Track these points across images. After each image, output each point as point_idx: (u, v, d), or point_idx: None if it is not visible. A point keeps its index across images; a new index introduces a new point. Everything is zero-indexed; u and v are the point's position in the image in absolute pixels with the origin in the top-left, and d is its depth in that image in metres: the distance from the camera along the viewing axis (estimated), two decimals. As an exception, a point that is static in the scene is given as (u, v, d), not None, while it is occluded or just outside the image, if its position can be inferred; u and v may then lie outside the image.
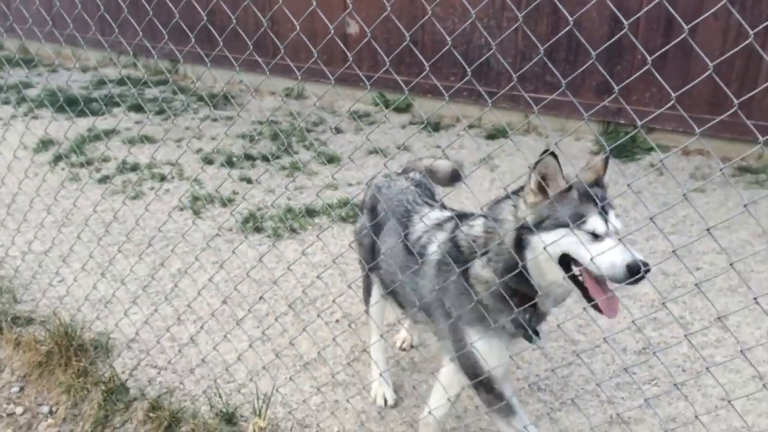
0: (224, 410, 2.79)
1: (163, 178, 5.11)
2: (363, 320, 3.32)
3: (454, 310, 2.13)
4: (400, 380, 3.01)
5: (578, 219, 1.86)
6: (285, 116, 6.34)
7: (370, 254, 2.67)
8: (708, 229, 1.75)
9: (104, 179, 5.13)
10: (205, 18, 2.70)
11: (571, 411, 2.78)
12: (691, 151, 5.32)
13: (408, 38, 2.36)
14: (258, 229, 4.30)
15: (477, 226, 2.14)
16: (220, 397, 2.88)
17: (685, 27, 1.71)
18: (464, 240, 2.13)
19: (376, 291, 2.79)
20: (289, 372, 3.02)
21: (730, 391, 2.82)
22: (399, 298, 2.50)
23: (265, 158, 5.33)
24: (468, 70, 2.14)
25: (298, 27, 2.71)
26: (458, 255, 2.12)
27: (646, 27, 5.20)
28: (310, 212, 4.47)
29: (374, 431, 2.73)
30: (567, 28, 2.17)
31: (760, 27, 4.74)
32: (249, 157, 5.35)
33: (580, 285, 1.94)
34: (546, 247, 1.89)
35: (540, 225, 1.90)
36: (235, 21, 2.69)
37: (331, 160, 5.34)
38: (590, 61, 1.89)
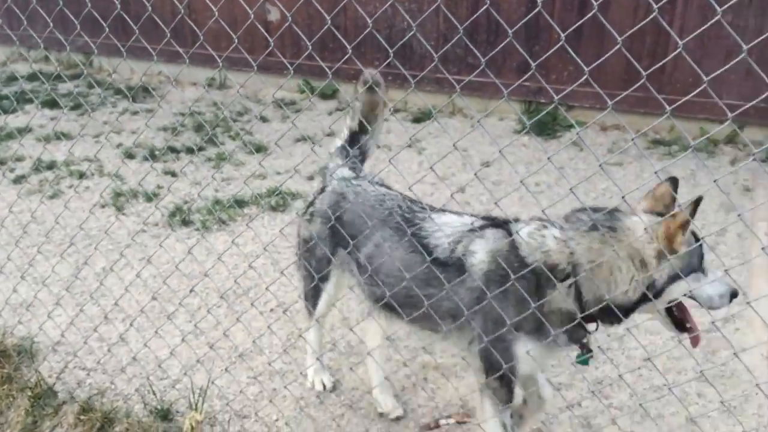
0: (159, 407, 2.74)
1: (82, 175, 4.93)
2: (298, 308, 3.32)
3: (509, 318, 2.03)
4: (337, 364, 3.03)
5: (701, 259, 1.95)
6: (208, 107, 6.21)
7: (326, 264, 2.57)
8: (623, 197, 1.82)
9: (19, 179, 4.91)
10: (119, 7, 2.61)
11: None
12: (609, 126, 5.51)
13: (330, 22, 2.36)
14: (185, 223, 4.22)
15: (548, 238, 2.05)
16: (154, 394, 2.82)
17: (595, 3, 1.77)
18: (531, 251, 2.04)
19: (325, 302, 2.70)
20: (225, 364, 2.98)
21: (652, 352, 2.97)
22: (404, 309, 2.29)
23: (189, 150, 5.21)
24: (390, 52, 2.15)
25: (216, 14, 2.66)
26: (520, 265, 2.02)
27: (562, 7, 5.34)
28: (239, 203, 4.41)
29: (314, 416, 2.74)
30: (484, 8, 2.21)
31: (664, 1, 4.89)
32: (172, 150, 5.22)
33: (672, 316, 2.03)
34: (689, 293, 1.93)
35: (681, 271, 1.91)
36: (150, 9, 2.61)
37: (258, 149, 5.28)
38: (507, 39, 1.93)
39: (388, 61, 5.97)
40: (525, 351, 2.09)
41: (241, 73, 6.38)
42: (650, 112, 5.16)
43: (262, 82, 6.37)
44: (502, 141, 5.28)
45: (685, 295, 1.96)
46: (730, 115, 1.60)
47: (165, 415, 2.72)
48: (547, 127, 5.47)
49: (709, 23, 1.73)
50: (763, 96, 2.20)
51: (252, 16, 2.58)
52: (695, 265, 1.94)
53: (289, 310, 3.25)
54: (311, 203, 2.70)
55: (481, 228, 2.20)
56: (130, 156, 5.20)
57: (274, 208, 4.39)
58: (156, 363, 2.95)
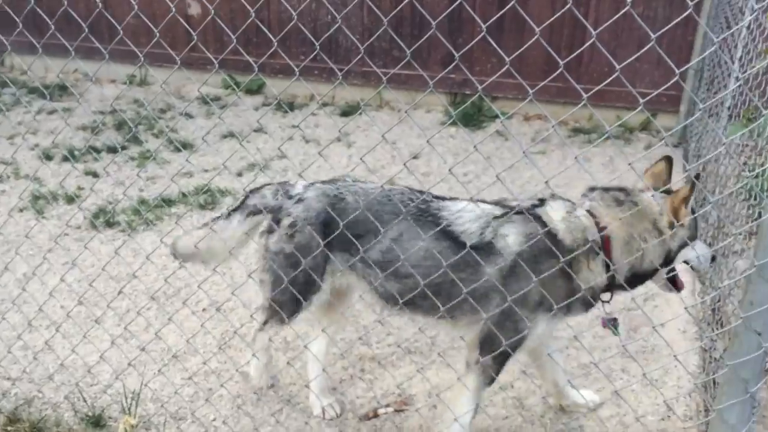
0: (90, 413, 2.67)
1: (-3, 179, 4.71)
2: (231, 306, 3.28)
3: (538, 297, 2.12)
4: (273, 360, 3.01)
5: (696, 230, 2.24)
6: (129, 104, 6.03)
7: (319, 273, 2.45)
8: (546, 182, 1.89)
9: (-73, 184, 4.65)
10: (33, 2, 2.51)
11: (441, 367, 2.92)
12: (531, 116, 5.67)
13: (254, 17, 2.34)
14: (110, 224, 4.09)
15: (583, 218, 2.18)
16: (85, 400, 2.74)
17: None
18: (568, 233, 2.15)
19: (315, 310, 2.61)
20: (158, 366, 2.92)
21: (578, 332, 3.08)
22: (426, 300, 2.28)
23: (111, 149, 5.05)
24: (316, 44, 2.16)
25: (136, 8, 2.60)
26: (556, 247, 2.09)
27: (483, 0, 5.45)
28: (166, 202, 4.32)
29: (252, 414, 2.73)
30: (406, 1, 2.24)
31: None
32: (93, 150, 5.05)
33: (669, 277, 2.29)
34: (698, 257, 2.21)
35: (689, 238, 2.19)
36: (66, 3, 2.52)
37: (184, 146, 5.17)
38: (431, 31, 1.97)
39: (314, 54, 5.95)
40: (544, 327, 2.23)
41: (163, 69, 6.22)
42: (570, 102, 5.34)
43: (185, 77, 6.23)
44: (430, 132, 5.35)
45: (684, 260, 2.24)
46: (642, 102, 1.68)
47: (97, 421, 2.65)
48: (472, 118, 5.58)
49: (620, 13, 1.81)
50: (672, 82, 2.32)
51: (174, 10, 2.53)
52: (695, 234, 2.21)
53: (223, 308, 3.21)
54: (280, 218, 2.51)
55: (511, 213, 2.27)
56: (48, 157, 5.00)
57: (203, 206, 4.32)
58: (85, 369, 2.86)
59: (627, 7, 1.61)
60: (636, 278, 2.23)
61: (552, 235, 2.14)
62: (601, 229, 2.16)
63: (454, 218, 2.28)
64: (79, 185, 4.55)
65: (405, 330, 3.17)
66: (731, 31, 3.61)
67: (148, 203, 4.32)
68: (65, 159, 4.93)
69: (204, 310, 3.34)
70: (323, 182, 2.59)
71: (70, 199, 4.37)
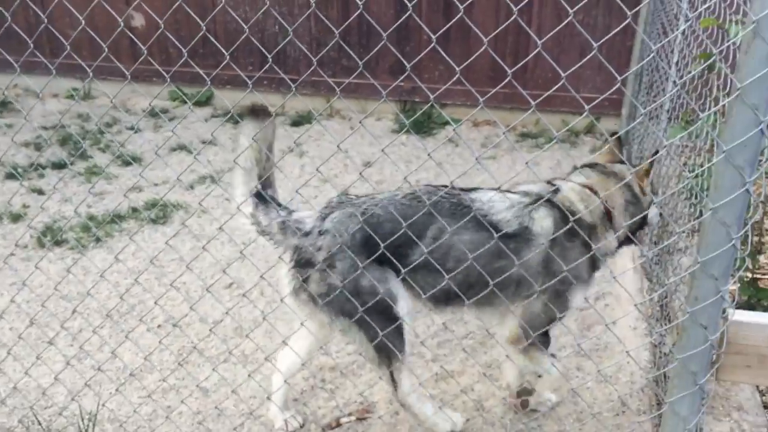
0: (46, 437, 2.60)
1: (-65, 199, 4.54)
2: (188, 321, 3.25)
3: (572, 273, 2.26)
4: (233, 375, 2.99)
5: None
6: (73, 119, 5.89)
7: (391, 290, 2.35)
8: (499, 188, 1.95)
9: None
10: (-32, 16, 2.45)
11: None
12: (480, 122, 5.77)
13: (204, 29, 2.34)
14: (59, 242, 3.99)
15: (592, 196, 2.43)
16: (40, 424, 2.67)
17: (461, 7, 1.87)
18: (585, 209, 2.38)
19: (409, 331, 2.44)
20: (115, 385, 2.87)
21: (534, 332, 3.15)
22: (469, 292, 2.29)
23: (56, 165, 4.93)
24: (269, 57, 2.16)
25: (83, 22, 2.56)
26: (581, 225, 2.30)
27: (429, 8, 5.53)
28: (116, 218, 4.24)
29: (213, 429, 2.70)
30: (357, 13, 2.27)
31: (523, 3, 5.19)
32: (38, 166, 4.92)
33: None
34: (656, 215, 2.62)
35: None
36: (9, 18, 2.46)
37: (132, 160, 5.08)
38: (382, 43, 2.00)
39: (262, 65, 5.93)
40: (580, 296, 2.43)
41: (108, 83, 6.10)
42: (517, 107, 5.46)
43: (130, 91, 6.14)
44: (382, 140, 5.40)
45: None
46: (587, 107, 1.76)
47: (53, 445, 2.59)
48: (423, 126, 5.65)
49: (563, 23, 1.89)
50: (614, 88, 2.41)
51: (121, 23, 2.50)
52: (651, 201, 2.53)
53: (179, 323, 3.18)
54: (309, 254, 2.37)
55: (537, 198, 2.42)
56: (-11, 175, 4.85)
57: (154, 220, 4.25)
58: (39, 391, 2.79)
59: (569, 18, 1.68)
60: (627, 239, 2.52)
61: (577, 216, 2.30)
62: (602, 201, 2.42)
63: (488, 208, 2.38)
64: (25, 203, 4.43)
65: (364, 338, 3.18)
66: (668, 38, 3.76)
67: (97, 220, 4.23)
68: (9, 176, 4.78)
69: (159, 326, 3.29)
70: (324, 209, 2.51)
71: (16, 218, 4.25)
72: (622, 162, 2.60)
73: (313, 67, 5.67)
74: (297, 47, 5.86)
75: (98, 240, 4.01)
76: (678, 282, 2.58)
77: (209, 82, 2.42)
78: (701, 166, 2.66)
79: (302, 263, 2.41)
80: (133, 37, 5.57)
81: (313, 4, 5.67)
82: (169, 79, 2.49)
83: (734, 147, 1.53)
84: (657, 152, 2.60)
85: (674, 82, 3.47)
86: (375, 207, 2.40)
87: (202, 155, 5.18)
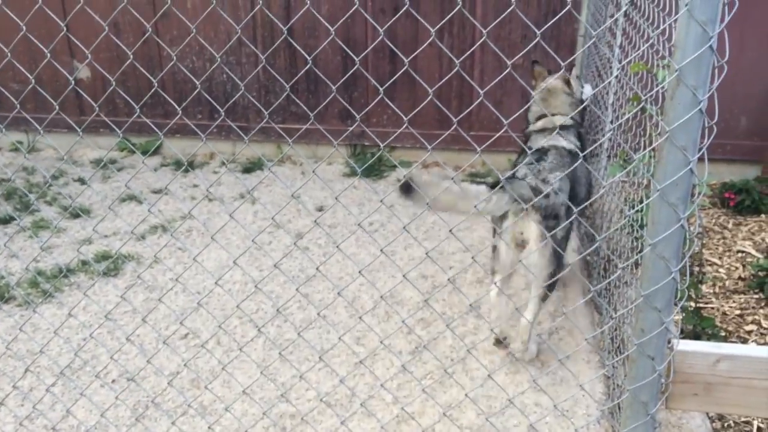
0: (-4, 505, 2.50)
1: None
2: (144, 375, 3.19)
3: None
4: (191, 428, 2.94)
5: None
6: (18, 172, 5.78)
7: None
8: (450, 230, 2.02)
9: None
10: None
11: (363, 418, 2.95)
12: (430, 163, 5.90)
13: (156, 85, 2.37)
14: (6, 299, 3.89)
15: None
16: (-11, 491, 2.57)
17: (406, 60, 1.97)
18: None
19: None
20: (69, 446, 2.79)
21: (492, 370, 3.22)
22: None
23: (1, 221, 4.82)
24: (221, 110, 2.21)
25: (33, 80, 2.56)
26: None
27: (374, 56, 5.67)
28: (65, 272, 4.15)
29: (173, 485, 2.65)
30: (306, 67, 2.35)
31: (465, 56, 5.38)
32: (-19, 222, 4.80)
33: None
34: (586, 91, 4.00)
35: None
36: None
37: (81, 212, 5.00)
38: (332, 95, 2.07)
39: (215, 116, 5.96)
40: None
41: (53, 135, 6.05)
42: (464, 148, 5.62)
43: (76, 142, 6.07)
44: (333, 185, 5.46)
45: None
46: (528, 151, 1.85)
47: None
48: (374, 169, 5.74)
49: (503, 74, 1.99)
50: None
51: (69, 77, 2.51)
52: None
53: (135, 377, 3.12)
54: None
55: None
56: (-71, 233, 4.70)
57: (106, 273, 4.18)
58: (-13, 457, 2.69)
59: (507, 69, 1.78)
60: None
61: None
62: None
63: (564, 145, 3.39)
64: (-33, 261, 4.30)
65: (324, 383, 3.19)
66: (603, 84, 3.95)
67: (46, 274, 4.14)
68: (-51, 234, 4.65)
69: (114, 381, 3.22)
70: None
71: (-42, 277, 4.13)
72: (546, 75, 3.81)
73: (264, 118, 5.72)
74: (246, 95, 5.91)
75: (48, 295, 3.91)
76: (625, 314, 2.68)
77: (161, 136, 2.44)
78: (640, 201, 2.80)
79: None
80: (78, 89, 5.54)
81: (263, 60, 5.76)
82: (113, 131, 2.51)
83: (667, 186, 1.63)
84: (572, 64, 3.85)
85: (611, 121, 3.65)
86: (538, 163, 3.17)
87: (152, 205, 5.14)
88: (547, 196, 2.90)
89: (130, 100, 2.67)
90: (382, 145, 2.01)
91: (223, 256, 4.28)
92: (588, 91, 4.00)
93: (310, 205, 5.17)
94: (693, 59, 1.52)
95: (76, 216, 4.89)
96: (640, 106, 2.30)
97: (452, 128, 1.96)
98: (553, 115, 3.58)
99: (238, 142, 6.06)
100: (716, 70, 1.59)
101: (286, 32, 5.62)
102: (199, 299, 3.79)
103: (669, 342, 1.78)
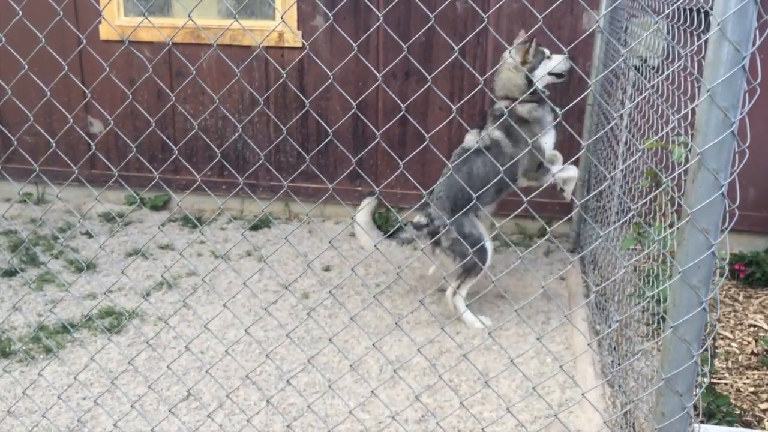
0: None
1: None
2: (143, 438, 3.11)
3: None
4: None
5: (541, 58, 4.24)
6: (26, 224, 5.79)
7: None
8: (445, 281, 1.99)
9: None
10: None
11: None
12: (436, 225, 5.90)
13: (153, 124, 2.38)
14: (5, 354, 3.83)
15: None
16: None
17: (418, 126, 1.98)
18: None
19: None
20: None
21: (500, 442, 3.13)
22: None
23: (6, 273, 4.80)
24: (233, 171, 2.21)
25: (53, 143, 2.58)
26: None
27: (384, 118, 5.75)
28: (68, 327, 4.11)
29: None
30: (327, 140, 2.36)
31: (473, 129, 5.38)
32: (-14, 274, 4.78)
33: None
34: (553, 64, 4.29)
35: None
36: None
37: (87, 266, 4.99)
38: (349, 168, 2.08)
39: (221, 170, 6.00)
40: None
41: (62, 187, 6.08)
42: (472, 211, 5.61)
43: (85, 195, 6.10)
44: (339, 244, 5.44)
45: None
46: (539, 217, 1.84)
47: None
48: (381, 228, 5.72)
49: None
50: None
51: (77, 130, 2.53)
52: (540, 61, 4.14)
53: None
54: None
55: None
56: (-67, 284, 4.67)
57: (108, 329, 4.14)
58: None
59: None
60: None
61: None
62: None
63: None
64: (-30, 313, 4.27)
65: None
66: (616, 162, 3.98)
67: (48, 329, 4.09)
68: (-46, 285, 4.62)
69: (113, 445, 3.14)
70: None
71: (-40, 330, 4.08)
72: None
73: (273, 175, 5.75)
74: (256, 152, 5.97)
75: (49, 351, 3.86)
76: (641, 393, 2.62)
77: (168, 189, 2.44)
78: (655, 275, 2.77)
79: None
80: (88, 140, 5.61)
81: (274, 118, 5.84)
82: (125, 185, 2.51)
83: (689, 268, 1.62)
84: (534, 38, 4.02)
85: (619, 196, 3.65)
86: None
87: (158, 260, 5.13)
88: (425, 225, 4.20)
89: (140, 156, 2.69)
90: (390, 206, 1.98)
91: (228, 314, 4.24)
92: (555, 63, 4.13)
93: (317, 263, 5.15)
94: (715, 144, 1.53)
95: (82, 269, 4.87)
96: (662, 188, 2.30)
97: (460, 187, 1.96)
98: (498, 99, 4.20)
99: (246, 198, 6.08)
100: (737, 155, 1.59)
101: (308, 103, 5.71)
102: (202, 359, 3.74)
103: (690, 425, 1.74)
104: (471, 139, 4.36)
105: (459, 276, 4.18)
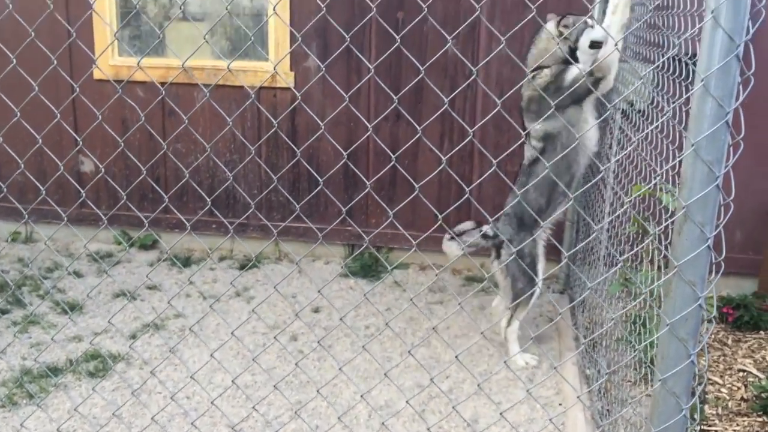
0: None
1: None
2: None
3: None
4: None
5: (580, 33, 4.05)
6: (12, 263, 5.74)
7: None
8: (434, 328, 1.98)
9: None
10: None
11: None
12: (427, 266, 5.89)
13: (144, 173, 2.38)
14: (-13, 399, 3.76)
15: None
16: None
17: (407, 175, 1.99)
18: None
19: None
20: None
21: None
22: None
23: (-9, 314, 4.74)
24: (208, 200, 2.21)
25: (22, 165, 2.57)
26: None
27: (375, 159, 5.78)
28: (52, 371, 4.04)
29: None
30: (318, 188, 2.37)
31: (450, 154, 5.48)
32: (-30, 314, 4.71)
33: None
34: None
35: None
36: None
37: (72, 308, 4.93)
38: (339, 211, 2.08)
39: (211, 209, 5.99)
40: None
41: (51, 226, 6.05)
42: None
43: (74, 234, 6.06)
44: (330, 285, 5.42)
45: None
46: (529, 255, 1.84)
47: None
48: (371, 269, 5.72)
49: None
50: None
51: (62, 167, 2.52)
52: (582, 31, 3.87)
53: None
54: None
55: None
56: None
57: (93, 373, 4.07)
58: None
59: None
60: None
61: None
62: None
63: None
64: (-48, 355, 4.19)
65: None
66: (603, 205, 4.01)
67: (31, 373, 4.02)
68: (-63, 326, 4.55)
69: (94, 494, 3.07)
70: None
71: (-59, 373, 4.01)
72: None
73: (263, 215, 5.75)
74: (246, 191, 5.97)
75: (31, 396, 3.79)
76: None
77: (147, 226, 2.43)
78: (642, 320, 2.77)
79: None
80: (73, 182, 5.59)
81: (262, 162, 5.87)
82: (106, 223, 2.51)
83: (677, 320, 1.62)
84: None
85: (607, 247, 3.66)
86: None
87: (146, 301, 5.08)
88: (492, 237, 4.25)
89: (130, 194, 2.69)
90: (369, 246, 1.98)
91: (216, 357, 4.18)
92: (597, 33, 3.86)
93: (306, 305, 5.11)
94: (700, 197, 1.54)
95: (68, 310, 4.82)
96: (648, 240, 2.31)
97: (434, 226, 1.96)
98: (533, 76, 4.00)
99: (236, 238, 6.07)
100: (722, 208, 1.61)
101: (292, 147, 5.75)
102: (188, 406, 3.68)
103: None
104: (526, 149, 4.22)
105: (511, 306, 4.20)
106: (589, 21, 3.93)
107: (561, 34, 3.83)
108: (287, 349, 4.36)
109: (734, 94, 1.54)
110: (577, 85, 3.72)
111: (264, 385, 3.95)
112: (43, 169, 6.08)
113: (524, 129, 4.07)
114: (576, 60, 3.80)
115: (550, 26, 3.93)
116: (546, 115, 3.69)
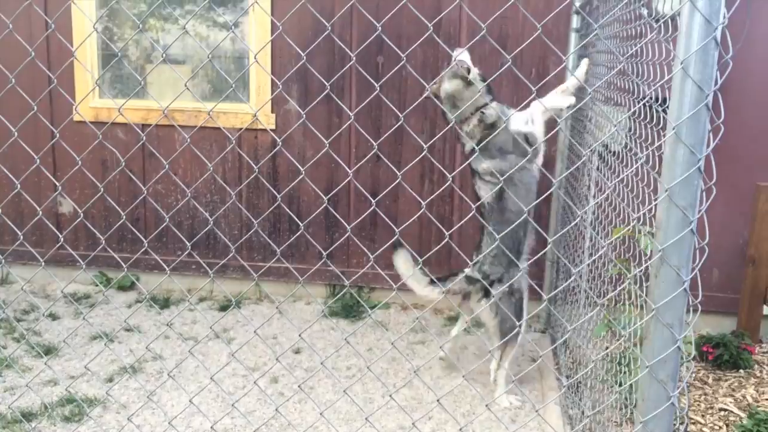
0: None
1: None
2: None
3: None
4: None
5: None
6: (-13, 305, 5.64)
7: None
8: (415, 371, 1.97)
9: None
10: None
11: None
12: (409, 306, 5.88)
13: (124, 216, 2.37)
14: (-42, 447, 3.66)
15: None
16: None
17: (388, 220, 2.00)
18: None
19: None
20: None
21: None
22: None
23: (-37, 358, 4.63)
24: (188, 245, 2.21)
25: (20, 235, 2.56)
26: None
27: (356, 200, 5.81)
28: (26, 416, 3.94)
29: None
30: (298, 232, 2.38)
31: (431, 198, 5.52)
32: (-58, 359, 4.60)
33: None
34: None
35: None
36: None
37: (48, 351, 4.84)
38: (319, 251, 2.09)
39: (191, 250, 5.95)
40: None
41: (27, 267, 5.97)
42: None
43: (50, 275, 5.98)
44: (311, 326, 5.38)
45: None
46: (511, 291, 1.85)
47: None
48: (352, 310, 5.70)
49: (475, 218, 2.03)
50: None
51: (40, 211, 2.51)
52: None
53: None
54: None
55: None
56: None
57: (68, 418, 3.98)
58: None
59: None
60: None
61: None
62: None
63: None
64: None
65: None
66: (584, 243, 4.06)
67: (5, 418, 3.93)
68: None
69: None
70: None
71: None
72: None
73: (243, 255, 5.71)
74: (227, 232, 5.96)
75: (4, 443, 3.69)
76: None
77: (125, 268, 2.42)
78: (624, 357, 2.79)
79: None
80: (50, 224, 5.54)
81: (243, 208, 5.87)
82: (85, 265, 2.49)
83: (656, 363, 1.64)
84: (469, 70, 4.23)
85: (585, 290, 3.70)
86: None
87: (123, 343, 5.00)
88: (478, 281, 4.19)
89: (100, 235, 2.67)
90: (347, 284, 1.99)
91: (195, 400, 4.11)
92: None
93: (287, 346, 5.06)
94: (675, 241, 1.58)
95: (43, 354, 4.72)
96: (629, 280, 2.35)
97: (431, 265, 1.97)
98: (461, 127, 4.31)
99: (217, 278, 6.03)
100: (698, 251, 1.64)
101: (273, 191, 5.76)
102: (166, 450, 3.60)
103: None
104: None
105: (500, 346, 4.18)
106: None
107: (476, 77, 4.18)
108: (267, 392, 4.31)
109: (705, 141, 1.58)
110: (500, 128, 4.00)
111: (243, 429, 3.88)
112: (21, 210, 6.02)
113: (472, 170, 4.15)
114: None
115: (463, 67, 4.22)
116: (490, 155, 4.07)
